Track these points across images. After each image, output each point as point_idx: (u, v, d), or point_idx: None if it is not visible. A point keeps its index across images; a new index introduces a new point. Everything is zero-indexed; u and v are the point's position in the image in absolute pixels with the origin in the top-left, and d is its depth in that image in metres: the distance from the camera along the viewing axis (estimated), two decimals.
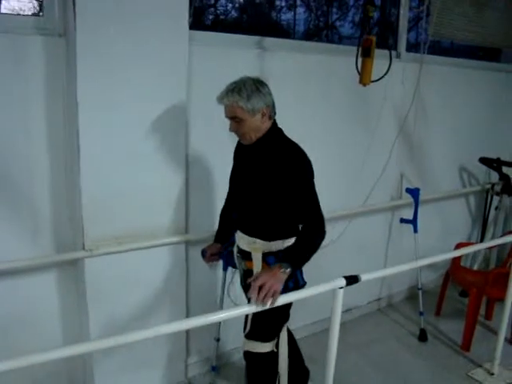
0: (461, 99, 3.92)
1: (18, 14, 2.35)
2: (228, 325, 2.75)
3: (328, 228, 3.04)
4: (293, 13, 4.39)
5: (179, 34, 2.32)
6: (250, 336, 2.21)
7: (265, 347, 2.22)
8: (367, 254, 3.58)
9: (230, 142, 2.25)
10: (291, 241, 2.13)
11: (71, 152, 2.24)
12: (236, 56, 2.64)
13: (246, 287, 2.27)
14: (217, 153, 2.59)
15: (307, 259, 2.02)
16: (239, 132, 2.05)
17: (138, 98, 2.26)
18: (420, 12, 3.52)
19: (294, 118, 2.88)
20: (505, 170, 4.02)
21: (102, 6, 2.09)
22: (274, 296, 1.83)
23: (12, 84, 2.09)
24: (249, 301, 1.89)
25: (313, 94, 3.04)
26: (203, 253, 2.40)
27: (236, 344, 2.67)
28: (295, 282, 2.12)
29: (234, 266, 2.41)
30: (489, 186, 4.24)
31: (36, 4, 2.58)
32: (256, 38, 2.76)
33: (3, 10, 2.40)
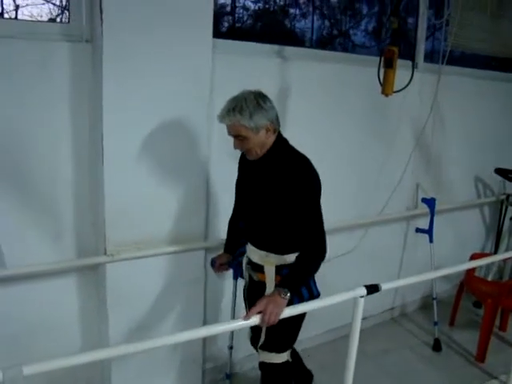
0: (477, 110, 3.92)
1: (49, 20, 2.39)
2: (241, 333, 2.76)
3: (344, 239, 3.06)
4: (306, 20, 4.41)
5: (203, 42, 2.34)
6: (265, 347, 2.20)
7: (280, 358, 2.22)
8: (382, 263, 3.57)
9: None
10: None
11: (95, 156, 2.26)
12: (257, 65, 2.66)
13: (250, 298, 2.27)
14: (237, 161, 2.59)
15: (307, 279, 2.03)
16: (244, 149, 2.00)
17: (162, 104, 2.28)
18: (439, 23, 3.52)
19: (312, 128, 2.92)
20: None
21: (127, 13, 2.11)
22: (274, 320, 1.83)
23: (38, 89, 2.11)
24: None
25: (330, 103, 3.04)
26: (212, 263, 2.41)
27: (248, 352, 2.66)
28: (309, 292, 2.11)
29: (243, 276, 2.39)
30: (503, 197, 4.25)
31: (52, 9, 2.64)
32: (276, 47, 2.78)
33: (21, 16, 2.46)
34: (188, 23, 2.27)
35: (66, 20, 2.25)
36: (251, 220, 2.16)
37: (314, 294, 2.13)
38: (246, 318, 1.82)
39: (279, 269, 2.09)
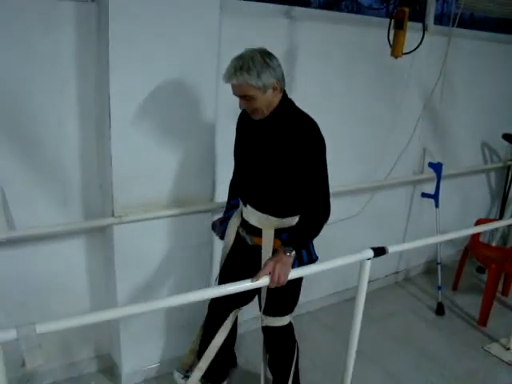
0: (486, 74, 3.86)
1: None
2: None
3: (349, 202, 3.05)
4: None
5: (211, 2, 2.28)
6: (268, 312, 2.20)
7: (284, 321, 2.24)
8: (387, 228, 3.58)
9: None
10: None
11: (102, 119, 2.24)
12: (264, 25, 2.60)
13: (240, 262, 2.19)
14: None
15: (311, 240, 2.02)
16: (250, 109, 1.93)
17: (169, 65, 2.24)
18: None
19: (319, 89, 2.89)
20: None
21: None
22: (284, 281, 1.84)
23: (43, 49, 2.08)
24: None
25: (338, 65, 2.99)
26: (213, 226, 2.41)
27: (253, 314, 2.67)
28: (309, 256, 2.11)
29: (222, 238, 2.34)
30: (510, 163, 4.23)
31: None
32: (284, 8, 2.71)
33: None
34: None
35: None
36: (253, 181, 2.10)
37: (313, 258, 2.13)
38: (255, 279, 1.82)
39: (278, 232, 2.07)
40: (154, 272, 2.50)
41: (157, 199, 2.40)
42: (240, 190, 2.21)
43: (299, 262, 2.02)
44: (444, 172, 3.52)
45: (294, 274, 1.89)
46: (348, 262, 2.00)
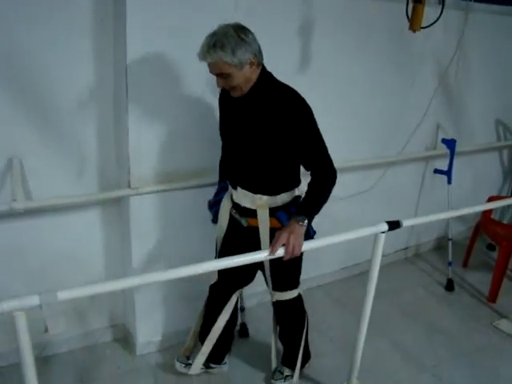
0: (502, 50, 3.81)
1: None
2: None
3: (362, 177, 3.03)
4: None
5: None
6: (277, 288, 2.23)
7: (293, 294, 2.28)
8: (399, 203, 3.57)
9: None
10: (296, 192, 2.10)
11: (119, 90, 2.25)
12: None
13: (237, 245, 2.04)
14: None
15: (321, 207, 1.97)
16: (228, 87, 1.87)
17: (186, 35, 2.19)
18: None
19: (334, 64, 2.85)
20: None
21: None
22: (298, 252, 1.84)
23: (59, 21, 2.09)
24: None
25: (354, 39, 2.95)
26: (210, 204, 2.39)
27: (263, 287, 2.68)
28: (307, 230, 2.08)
29: (214, 221, 2.32)
30: None
31: None
32: None
33: None
34: None
35: None
36: (242, 162, 2.05)
37: (310, 233, 2.07)
38: (272, 253, 1.80)
39: (273, 211, 2.05)
40: (168, 243, 2.53)
41: (172, 171, 2.42)
42: (229, 173, 2.18)
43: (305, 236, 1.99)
44: (457, 149, 3.49)
45: (307, 246, 1.89)
46: (362, 234, 2.01)
